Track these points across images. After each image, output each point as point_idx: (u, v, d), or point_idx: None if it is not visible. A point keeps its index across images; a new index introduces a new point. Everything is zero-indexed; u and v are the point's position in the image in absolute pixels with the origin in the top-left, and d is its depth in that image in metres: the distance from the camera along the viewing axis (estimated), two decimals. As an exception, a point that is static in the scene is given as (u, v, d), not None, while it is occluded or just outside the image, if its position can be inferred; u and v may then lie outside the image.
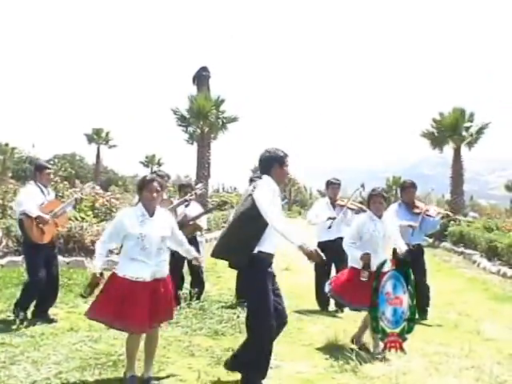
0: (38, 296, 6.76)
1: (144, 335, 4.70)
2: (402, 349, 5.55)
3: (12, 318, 6.52)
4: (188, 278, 8.08)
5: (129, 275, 4.47)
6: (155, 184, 4.60)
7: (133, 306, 4.39)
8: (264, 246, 4.51)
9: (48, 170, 7.08)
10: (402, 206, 7.93)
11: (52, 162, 51.53)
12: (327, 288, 6.23)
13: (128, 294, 4.43)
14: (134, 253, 4.50)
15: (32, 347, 5.48)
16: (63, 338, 5.85)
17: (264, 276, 4.54)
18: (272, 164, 4.71)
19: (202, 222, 8.22)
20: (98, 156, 55.58)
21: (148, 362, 4.69)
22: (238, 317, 6.97)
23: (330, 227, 8.10)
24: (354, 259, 5.96)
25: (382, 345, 5.63)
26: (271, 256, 4.64)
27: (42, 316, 6.74)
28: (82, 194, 7.74)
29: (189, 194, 7.83)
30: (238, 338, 6.12)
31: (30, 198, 6.77)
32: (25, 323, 6.30)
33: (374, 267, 5.73)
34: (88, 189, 7.86)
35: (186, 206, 7.95)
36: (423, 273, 7.83)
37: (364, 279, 5.65)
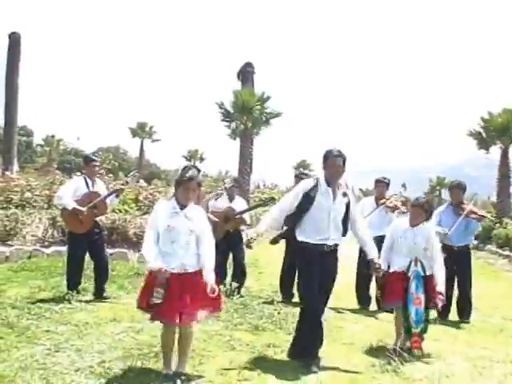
0: (94, 279, 7.54)
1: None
2: (421, 349, 5.60)
3: (57, 307, 6.68)
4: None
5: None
6: (193, 183, 4.57)
7: (164, 297, 4.39)
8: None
9: (93, 163, 7.49)
10: (449, 207, 7.81)
11: (96, 155, 52.50)
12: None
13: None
14: (163, 245, 4.52)
15: (76, 336, 5.58)
16: (106, 328, 5.94)
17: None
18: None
19: (245, 216, 8.31)
20: (141, 149, 56.36)
21: (181, 357, 4.64)
22: (279, 313, 6.98)
23: None
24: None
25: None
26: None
27: (99, 295, 7.44)
28: (124, 184, 7.93)
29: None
30: (278, 333, 6.15)
31: (68, 191, 7.27)
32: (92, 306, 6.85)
33: (400, 269, 5.76)
34: (131, 179, 7.98)
35: (231, 200, 8.13)
36: (467, 275, 7.68)
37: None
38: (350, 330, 6.61)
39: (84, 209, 7.18)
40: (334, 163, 5.12)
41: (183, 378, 4.51)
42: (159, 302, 4.36)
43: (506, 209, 24.28)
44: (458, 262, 7.48)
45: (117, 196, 7.75)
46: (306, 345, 5.12)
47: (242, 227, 8.50)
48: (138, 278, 8.65)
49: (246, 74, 29.20)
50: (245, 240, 7.85)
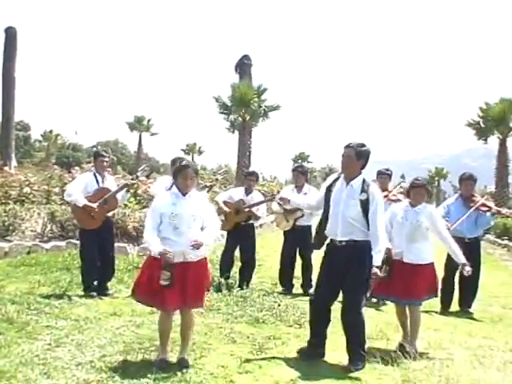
0: (98, 275, 7.45)
1: (178, 318, 4.77)
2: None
3: (57, 302, 6.69)
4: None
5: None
6: (189, 170, 4.65)
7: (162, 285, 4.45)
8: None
9: (102, 158, 7.52)
10: (459, 198, 7.70)
11: (95, 149, 52.41)
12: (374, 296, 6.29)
13: (158, 272, 4.47)
14: (166, 232, 4.58)
15: (76, 330, 5.57)
16: (107, 323, 5.93)
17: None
18: None
19: (261, 210, 8.27)
20: (139, 143, 56.29)
21: (183, 344, 4.76)
22: (279, 305, 6.99)
23: None
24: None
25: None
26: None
27: (101, 290, 7.38)
28: (135, 179, 7.93)
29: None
30: (278, 326, 6.15)
31: (78, 188, 7.27)
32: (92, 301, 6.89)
33: (398, 256, 5.57)
34: (141, 173, 7.98)
35: (248, 193, 8.20)
36: (476, 266, 7.59)
37: (383, 274, 5.46)
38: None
39: (95, 205, 7.18)
40: (343, 154, 5.08)
41: (184, 370, 4.52)
42: (167, 283, 4.41)
43: (504, 198, 24.34)
44: (467, 254, 7.38)
45: (127, 191, 7.77)
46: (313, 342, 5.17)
47: (256, 222, 8.53)
48: (137, 271, 8.65)
49: (243, 66, 29.19)
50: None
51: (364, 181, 5.02)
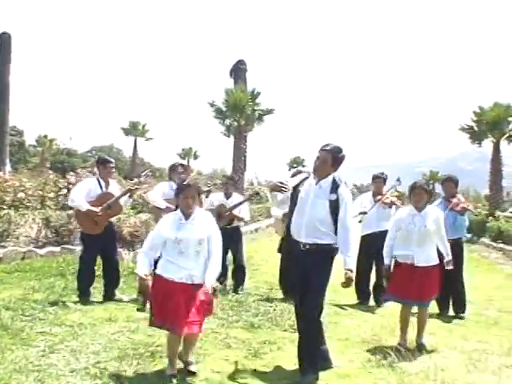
0: (104, 281, 7.51)
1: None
2: None
3: (51, 308, 6.65)
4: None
5: (166, 276, 4.53)
6: (191, 189, 4.66)
7: (170, 307, 4.44)
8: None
9: (110, 164, 7.59)
10: (442, 200, 7.74)
11: (90, 154, 52.27)
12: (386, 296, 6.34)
13: (166, 294, 4.47)
14: (171, 256, 4.58)
15: (71, 336, 5.54)
16: (101, 328, 5.90)
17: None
18: None
19: (243, 212, 8.34)
20: (134, 148, 56.15)
21: (186, 350, 4.74)
22: (275, 310, 6.99)
23: (360, 221, 8.07)
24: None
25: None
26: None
27: (110, 297, 7.36)
28: (137, 184, 7.93)
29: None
30: (274, 330, 6.15)
31: (81, 193, 7.29)
32: (87, 307, 6.82)
33: (409, 260, 5.75)
34: (144, 178, 7.99)
35: (228, 197, 8.22)
36: (458, 268, 7.57)
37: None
38: (346, 326, 6.62)
39: (98, 209, 7.20)
40: (319, 158, 4.85)
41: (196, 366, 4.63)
42: (140, 307, 4.43)
43: (498, 202, 24.40)
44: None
45: (130, 196, 7.77)
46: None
47: (240, 223, 8.55)
48: (133, 277, 8.63)
49: (238, 71, 29.21)
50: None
51: (334, 181, 4.81)
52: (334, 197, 4.74)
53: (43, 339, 5.40)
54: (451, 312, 7.55)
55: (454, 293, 7.58)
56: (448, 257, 5.99)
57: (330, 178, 4.81)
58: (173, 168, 7.82)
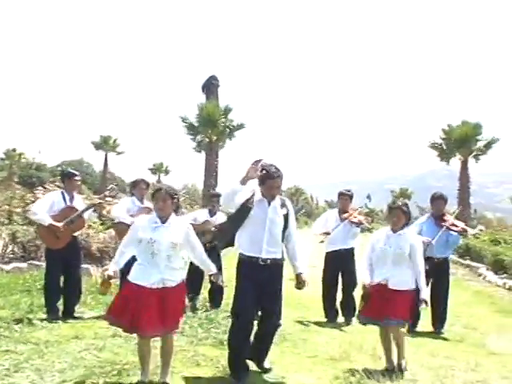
0: (63, 297, 7.32)
1: (157, 342, 4.75)
2: None
3: (17, 325, 6.52)
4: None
5: (138, 281, 4.55)
6: (161, 192, 4.71)
7: (141, 311, 4.44)
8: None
9: (75, 177, 7.48)
10: (431, 218, 7.75)
11: (59, 169, 51.66)
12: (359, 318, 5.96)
13: (137, 298, 4.48)
14: (144, 258, 4.61)
15: (36, 355, 5.43)
16: (68, 346, 5.81)
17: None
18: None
19: None
20: (105, 163, 55.78)
21: (163, 368, 4.76)
22: (244, 327, 6.93)
23: (322, 241, 8.08)
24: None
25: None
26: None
27: (68, 315, 7.21)
28: (102, 198, 7.87)
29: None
30: (243, 348, 6.11)
31: (44, 207, 7.15)
32: (53, 324, 6.72)
33: (383, 281, 5.55)
34: (109, 192, 7.93)
35: (212, 214, 8.26)
36: (444, 287, 7.62)
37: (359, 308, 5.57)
38: (315, 342, 6.61)
39: (60, 224, 7.05)
40: (272, 185, 5.04)
41: None
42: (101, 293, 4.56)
43: (466, 219, 24.76)
44: (437, 273, 7.40)
45: (94, 211, 7.68)
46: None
47: None
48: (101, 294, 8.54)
49: (210, 87, 29.31)
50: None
51: (280, 197, 5.20)
52: (285, 211, 5.15)
53: (8, 358, 5.29)
54: (422, 328, 7.58)
55: (437, 309, 7.58)
56: (421, 294, 5.53)
57: (277, 197, 5.17)
58: (135, 184, 7.81)
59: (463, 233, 7.71)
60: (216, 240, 5.71)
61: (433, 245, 7.32)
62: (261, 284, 4.99)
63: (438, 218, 7.67)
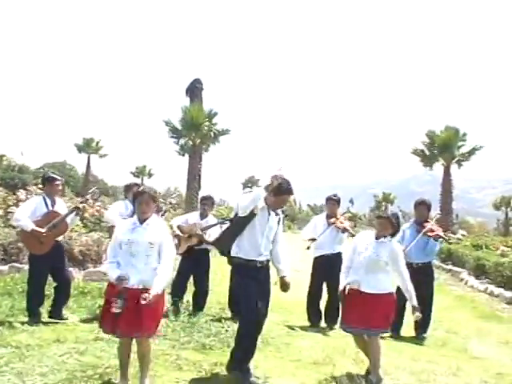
0: (53, 299, 7.37)
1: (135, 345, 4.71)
2: None
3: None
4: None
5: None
6: (145, 195, 4.72)
7: (120, 313, 4.41)
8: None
9: (56, 181, 7.42)
10: (413, 224, 7.83)
11: (42, 171, 51.29)
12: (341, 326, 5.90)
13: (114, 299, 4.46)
14: (123, 259, 4.62)
15: (17, 358, 5.39)
16: (49, 350, 5.76)
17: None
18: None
19: (212, 235, 8.24)
20: (88, 165, 55.52)
21: (142, 373, 4.73)
22: (227, 330, 6.92)
23: (308, 248, 8.10)
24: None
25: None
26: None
27: (56, 316, 7.23)
28: (84, 202, 7.84)
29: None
30: (226, 352, 6.06)
31: (26, 212, 7.07)
32: (34, 327, 6.67)
33: (356, 285, 5.51)
34: (90, 196, 7.90)
35: (203, 217, 8.25)
36: (428, 293, 7.59)
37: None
38: (298, 347, 6.61)
39: (43, 230, 6.97)
40: (285, 200, 5.29)
41: None
42: (119, 311, 4.38)
43: (448, 224, 24.94)
44: (416, 279, 7.43)
45: (77, 214, 7.62)
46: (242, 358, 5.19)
47: (209, 247, 8.39)
48: (83, 296, 8.49)
49: (194, 90, 29.27)
50: None
51: None
52: (279, 216, 5.41)
53: (-13, 361, 5.24)
54: (405, 333, 7.60)
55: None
56: (412, 302, 5.55)
57: None
58: (128, 187, 7.80)
59: (438, 238, 7.71)
60: (216, 248, 5.74)
61: (411, 250, 7.38)
62: (257, 284, 5.15)
63: (420, 224, 7.73)
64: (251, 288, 5.11)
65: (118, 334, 4.58)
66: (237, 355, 5.18)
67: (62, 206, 7.52)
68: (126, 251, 4.60)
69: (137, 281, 4.53)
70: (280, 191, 5.11)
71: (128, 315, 4.42)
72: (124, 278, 4.46)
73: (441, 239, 7.80)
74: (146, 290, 4.46)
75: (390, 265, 5.53)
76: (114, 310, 4.38)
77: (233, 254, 5.25)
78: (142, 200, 4.70)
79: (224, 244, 5.40)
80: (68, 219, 7.39)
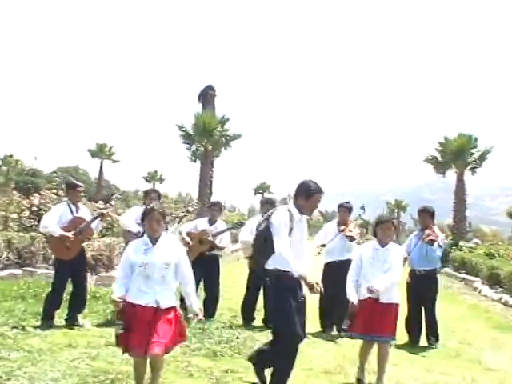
0: (69, 305, 7.38)
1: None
2: None
3: (10, 332, 6.48)
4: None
5: (133, 301, 4.50)
6: (156, 213, 4.65)
7: (133, 331, 4.41)
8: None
9: (78, 188, 7.59)
10: (419, 232, 7.89)
11: (55, 175, 51.63)
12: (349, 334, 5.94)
13: (132, 318, 4.44)
14: (138, 282, 4.55)
15: (29, 362, 5.40)
16: (61, 354, 5.77)
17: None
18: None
19: (224, 241, 8.28)
20: (100, 170, 55.78)
21: (153, 380, 4.64)
22: (238, 338, 6.92)
23: (319, 253, 8.09)
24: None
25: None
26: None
27: (72, 322, 7.25)
28: (108, 208, 7.93)
29: (180, 211, 8.01)
30: (236, 359, 6.08)
31: (54, 219, 7.24)
32: (47, 332, 6.67)
33: (374, 295, 5.44)
34: (114, 201, 8.03)
35: (212, 223, 8.28)
36: (430, 300, 7.69)
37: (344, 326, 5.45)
38: (309, 355, 6.54)
39: (71, 234, 7.15)
40: (318, 199, 5.04)
41: None
42: (121, 332, 4.36)
43: (462, 232, 24.77)
44: (420, 286, 7.55)
45: (101, 220, 7.71)
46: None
47: (220, 253, 8.43)
48: (94, 301, 8.50)
49: (207, 96, 29.33)
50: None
51: None
52: (305, 223, 5.12)
53: (1, 365, 5.25)
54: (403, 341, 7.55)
55: (426, 320, 7.65)
56: (377, 286, 5.41)
57: None
58: (147, 193, 7.93)
59: (432, 243, 7.62)
60: (254, 264, 5.63)
61: (413, 257, 7.55)
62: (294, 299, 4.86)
63: (422, 230, 7.79)
64: (292, 311, 4.78)
65: (132, 352, 4.52)
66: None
67: (85, 211, 7.71)
68: (141, 273, 4.53)
69: (152, 301, 4.49)
70: (311, 192, 4.96)
71: (141, 332, 4.39)
72: (120, 301, 4.46)
73: (437, 243, 7.64)
74: (161, 309, 4.48)
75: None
76: (117, 331, 4.43)
77: (269, 267, 4.89)
78: (151, 218, 4.62)
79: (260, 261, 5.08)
80: (93, 225, 7.54)
